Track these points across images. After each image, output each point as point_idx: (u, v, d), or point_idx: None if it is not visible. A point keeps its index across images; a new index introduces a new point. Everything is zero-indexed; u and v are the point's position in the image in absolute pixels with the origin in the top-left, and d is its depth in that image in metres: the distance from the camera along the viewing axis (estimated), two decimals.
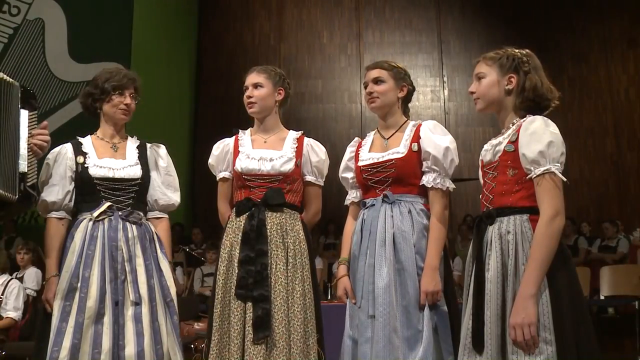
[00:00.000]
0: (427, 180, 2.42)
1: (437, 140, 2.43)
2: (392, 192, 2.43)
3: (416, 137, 2.47)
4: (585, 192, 9.72)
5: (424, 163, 2.44)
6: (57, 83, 8.60)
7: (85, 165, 2.46)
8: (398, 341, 2.25)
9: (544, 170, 1.86)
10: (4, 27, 8.50)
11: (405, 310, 2.30)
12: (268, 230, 2.48)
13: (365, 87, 2.58)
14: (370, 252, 2.39)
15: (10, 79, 2.23)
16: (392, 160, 2.45)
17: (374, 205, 2.45)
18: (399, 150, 2.47)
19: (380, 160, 2.48)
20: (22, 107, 2.28)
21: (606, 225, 8.06)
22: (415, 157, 2.45)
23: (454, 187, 2.47)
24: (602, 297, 6.82)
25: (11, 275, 5.17)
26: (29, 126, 2.29)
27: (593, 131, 9.94)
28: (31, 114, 2.31)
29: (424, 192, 2.46)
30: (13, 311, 4.85)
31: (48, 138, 2.36)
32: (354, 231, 2.51)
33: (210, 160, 2.72)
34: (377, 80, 2.54)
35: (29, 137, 2.28)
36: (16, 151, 2.22)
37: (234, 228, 2.53)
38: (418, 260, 2.35)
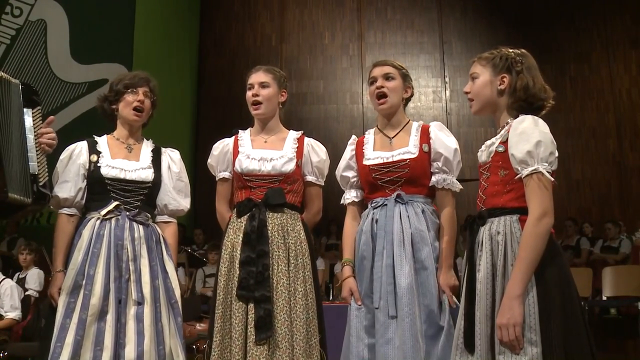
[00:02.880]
0: (437, 181, 2.43)
1: (447, 141, 2.45)
2: (404, 192, 2.43)
3: (425, 138, 2.47)
4: (587, 193, 9.70)
5: (433, 164, 2.45)
6: (59, 84, 8.61)
7: (98, 165, 2.49)
8: (422, 341, 2.26)
9: (532, 171, 1.85)
10: (6, 29, 8.52)
11: (428, 308, 2.31)
12: (269, 231, 2.48)
13: (371, 83, 2.55)
14: (387, 252, 2.37)
15: (9, 77, 2.22)
16: (405, 160, 2.44)
17: (386, 205, 2.43)
18: (410, 150, 2.46)
19: (391, 160, 2.47)
20: (25, 105, 2.27)
21: (608, 225, 8.03)
22: (426, 158, 2.45)
23: (462, 187, 2.47)
24: (604, 298, 6.81)
25: (13, 276, 5.17)
26: (34, 123, 2.28)
27: (595, 132, 9.92)
28: (34, 110, 2.30)
29: (432, 193, 2.47)
30: (12, 311, 4.84)
31: (54, 135, 2.36)
32: (361, 231, 2.48)
33: (210, 161, 2.71)
34: (388, 77, 2.52)
35: (35, 135, 2.28)
36: (24, 152, 2.21)
37: (235, 229, 2.53)
38: (434, 259, 2.37)
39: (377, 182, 2.48)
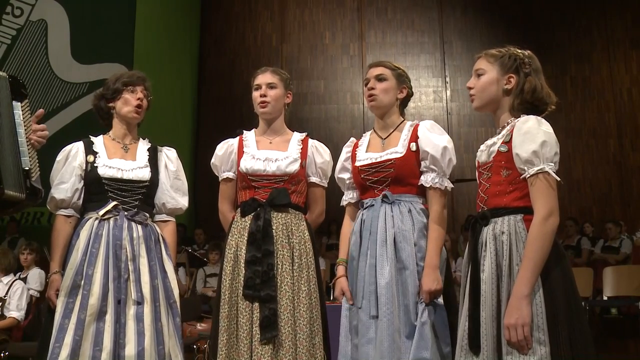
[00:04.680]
0: (426, 179, 2.42)
1: (435, 139, 2.43)
2: (391, 192, 2.43)
3: (414, 137, 2.47)
4: (588, 193, 9.71)
5: (422, 163, 2.44)
6: (60, 84, 8.62)
7: (95, 165, 2.49)
8: (400, 341, 2.25)
9: (538, 170, 1.86)
10: (7, 29, 8.53)
11: (407, 309, 2.30)
12: (274, 231, 2.49)
13: (366, 84, 2.58)
14: (371, 252, 2.38)
15: None
16: (391, 160, 2.45)
17: (373, 205, 2.44)
18: (398, 150, 2.46)
19: (379, 160, 2.48)
20: (14, 99, 2.25)
21: (609, 225, 8.04)
22: (414, 157, 2.44)
23: (452, 186, 2.47)
24: (605, 298, 6.81)
25: (15, 275, 5.20)
26: (23, 117, 2.26)
27: (595, 131, 9.92)
28: (23, 104, 2.28)
29: (422, 191, 2.46)
30: (16, 311, 4.88)
31: (46, 133, 2.35)
32: (352, 232, 2.50)
33: (214, 160, 2.72)
34: (379, 78, 2.54)
35: (25, 129, 2.26)
36: (16, 147, 2.20)
37: (240, 228, 2.53)
38: (418, 259, 2.35)
39: (366, 183, 2.49)
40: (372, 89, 2.53)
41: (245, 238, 2.49)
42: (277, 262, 2.46)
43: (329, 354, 2.49)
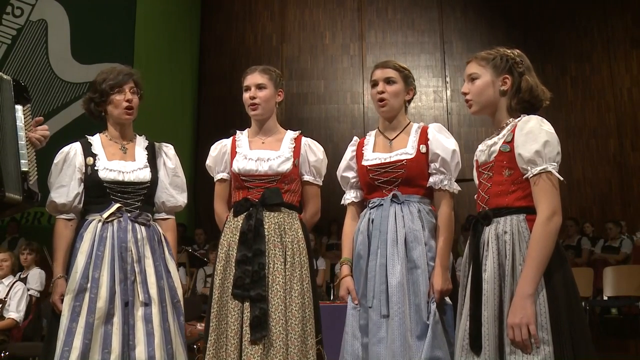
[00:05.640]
0: (435, 182, 2.43)
1: (445, 142, 2.44)
2: (400, 192, 2.43)
3: (424, 139, 2.47)
4: (588, 193, 9.70)
5: (431, 165, 2.45)
6: (60, 84, 8.62)
7: (95, 168, 2.46)
8: (412, 340, 2.25)
9: (541, 170, 1.86)
10: (7, 29, 8.53)
11: (418, 308, 2.30)
12: (266, 230, 2.48)
13: (373, 86, 2.55)
14: (382, 252, 2.38)
15: (1, 74, 2.21)
16: (402, 161, 2.45)
17: (382, 205, 2.43)
18: (408, 151, 2.46)
19: (389, 160, 2.47)
20: (16, 102, 2.25)
21: (609, 225, 8.04)
22: (424, 158, 2.45)
23: (460, 189, 2.48)
24: (605, 298, 6.81)
25: (15, 275, 5.21)
26: (24, 121, 2.27)
27: (596, 131, 9.92)
28: (25, 108, 2.29)
29: (429, 193, 2.47)
30: (15, 312, 4.88)
31: (48, 133, 2.35)
32: (359, 231, 2.49)
33: (208, 162, 2.72)
34: (389, 80, 2.51)
35: (26, 131, 2.26)
36: (17, 150, 2.21)
37: (232, 228, 2.53)
38: (429, 259, 2.36)
39: (375, 183, 2.48)
40: (382, 92, 2.50)
41: (237, 238, 2.48)
42: (268, 261, 2.44)
43: (325, 354, 2.48)
